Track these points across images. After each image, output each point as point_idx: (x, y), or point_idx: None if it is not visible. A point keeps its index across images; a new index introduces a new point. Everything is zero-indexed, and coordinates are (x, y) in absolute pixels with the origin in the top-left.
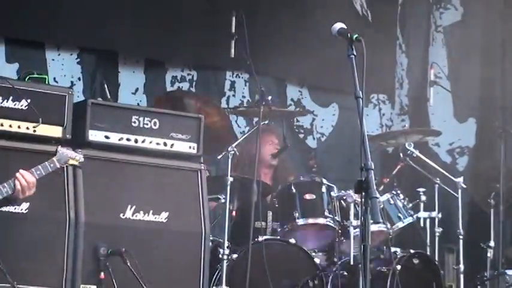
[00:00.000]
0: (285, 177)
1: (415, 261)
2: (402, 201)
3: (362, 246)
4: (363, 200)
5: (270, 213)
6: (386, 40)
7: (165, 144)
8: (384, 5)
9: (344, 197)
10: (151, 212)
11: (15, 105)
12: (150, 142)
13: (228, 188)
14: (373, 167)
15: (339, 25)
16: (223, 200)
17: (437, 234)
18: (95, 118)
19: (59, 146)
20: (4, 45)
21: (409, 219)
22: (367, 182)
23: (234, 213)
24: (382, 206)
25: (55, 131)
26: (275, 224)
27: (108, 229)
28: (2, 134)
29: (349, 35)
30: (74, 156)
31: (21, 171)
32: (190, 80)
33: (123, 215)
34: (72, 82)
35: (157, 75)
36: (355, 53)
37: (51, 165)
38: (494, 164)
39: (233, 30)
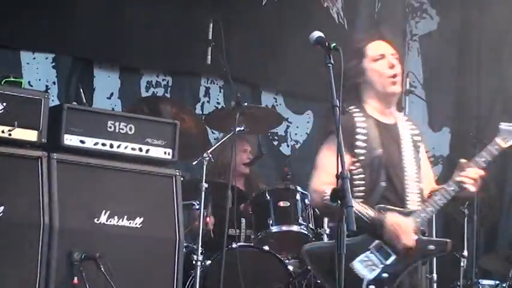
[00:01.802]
0: (256, 184)
1: None
2: None
3: (337, 255)
4: (338, 208)
5: (243, 221)
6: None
7: (140, 149)
8: (360, 12)
9: None
10: (125, 217)
11: None
12: (126, 147)
13: (203, 194)
14: (349, 175)
15: (316, 33)
16: (197, 206)
17: None
18: (71, 122)
19: (501, 123)
20: None
21: None
22: (343, 190)
23: (208, 219)
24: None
25: (30, 135)
26: (248, 231)
27: (82, 234)
28: None
29: (327, 43)
30: None
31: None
32: (165, 85)
33: (98, 220)
34: (47, 86)
35: (132, 80)
36: (332, 62)
37: (495, 147)
38: None
39: (210, 36)
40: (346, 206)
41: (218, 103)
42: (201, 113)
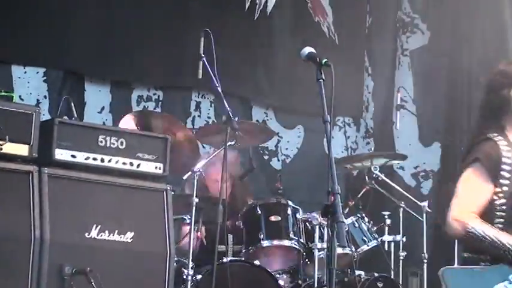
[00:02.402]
0: (244, 198)
1: (379, 284)
2: (367, 224)
3: (328, 270)
4: (329, 223)
5: (230, 237)
6: (353, 63)
7: (131, 164)
8: (351, 27)
9: (309, 219)
10: (116, 231)
11: None
12: (117, 162)
13: (194, 208)
14: (340, 191)
15: (308, 49)
16: (188, 221)
17: (401, 257)
18: (62, 137)
19: None
20: None
21: (374, 243)
22: (334, 206)
23: (199, 234)
24: (347, 229)
25: (21, 149)
26: (236, 247)
27: (73, 248)
28: None
29: (318, 59)
30: None
31: None
32: (156, 100)
33: (88, 235)
34: (38, 100)
35: (123, 94)
36: (323, 78)
37: None
38: None
39: (201, 51)
40: (337, 221)
41: (209, 117)
42: (191, 127)
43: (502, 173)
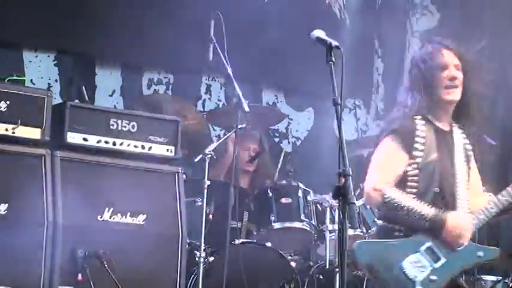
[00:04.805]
0: (264, 182)
1: None
2: None
3: (339, 252)
4: (340, 205)
5: (246, 214)
6: (363, 44)
7: (142, 147)
8: (362, 9)
9: (320, 201)
10: (128, 214)
11: None
12: (128, 145)
13: (205, 191)
14: (351, 173)
15: (317, 32)
16: (199, 203)
17: None
18: (74, 120)
19: None
20: None
21: None
22: (345, 187)
23: (210, 216)
24: (358, 211)
25: (34, 133)
26: (250, 224)
27: (86, 231)
28: None
29: (328, 42)
30: None
31: None
32: (167, 83)
33: (101, 217)
34: (49, 84)
35: (134, 77)
36: (333, 60)
37: None
38: None
39: (211, 34)
40: (348, 203)
41: (219, 100)
42: (202, 110)
43: (415, 145)
